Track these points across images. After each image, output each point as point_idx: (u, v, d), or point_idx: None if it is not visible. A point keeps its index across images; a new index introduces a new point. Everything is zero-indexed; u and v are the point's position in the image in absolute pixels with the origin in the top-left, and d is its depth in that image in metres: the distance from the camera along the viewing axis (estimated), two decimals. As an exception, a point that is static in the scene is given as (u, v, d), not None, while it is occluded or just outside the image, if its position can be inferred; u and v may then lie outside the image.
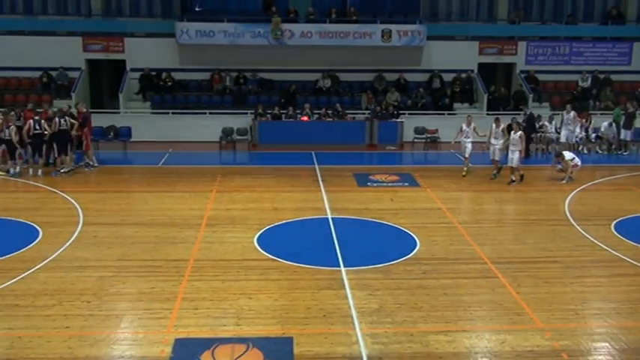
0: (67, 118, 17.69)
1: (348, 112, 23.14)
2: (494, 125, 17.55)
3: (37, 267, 10.54)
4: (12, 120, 17.46)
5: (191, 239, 12.10)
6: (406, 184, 16.90)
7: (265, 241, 12.04)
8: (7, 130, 17.11)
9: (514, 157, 16.71)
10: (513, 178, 16.88)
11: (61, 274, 10.19)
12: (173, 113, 23.37)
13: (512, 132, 16.97)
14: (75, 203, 14.47)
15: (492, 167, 17.68)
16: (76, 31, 24.62)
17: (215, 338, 8.18)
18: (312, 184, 16.87)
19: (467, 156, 17.96)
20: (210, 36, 23.80)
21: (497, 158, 17.47)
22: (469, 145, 17.89)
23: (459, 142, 18.21)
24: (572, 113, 20.80)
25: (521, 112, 21.69)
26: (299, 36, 23.95)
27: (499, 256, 11.33)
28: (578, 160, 17.47)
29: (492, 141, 17.43)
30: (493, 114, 23.31)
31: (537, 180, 17.71)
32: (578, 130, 21.78)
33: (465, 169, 17.96)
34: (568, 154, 17.62)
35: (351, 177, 17.62)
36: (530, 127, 21.14)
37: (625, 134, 21.75)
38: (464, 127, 17.98)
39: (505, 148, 17.24)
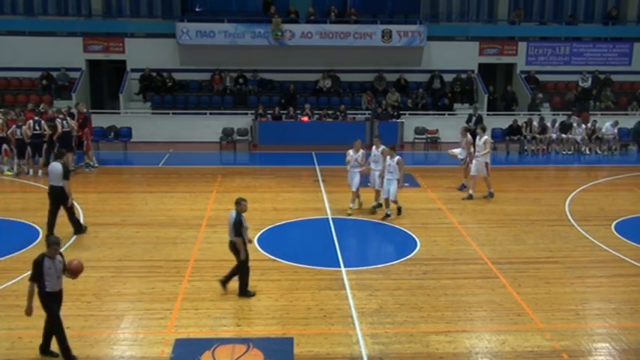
0: (68, 119, 17.75)
1: (348, 112, 23.12)
2: (373, 147, 14.31)
3: (37, 267, 10.55)
4: (19, 120, 17.54)
5: (191, 239, 12.11)
6: (406, 184, 16.84)
7: (266, 241, 12.04)
8: (18, 130, 17.27)
9: (390, 188, 13.38)
10: (389, 212, 13.61)
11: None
12: (173, 114, 23.35)
13: (389, 157, 13.44)
14: (75, 204, 14.43)
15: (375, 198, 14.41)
16: (77, 31, 24.60)
17: (215, 338, 8.20)
18: (313, 184, 16.88)
19: (354, 189, 14.06)
20: (210, 36, 23.79)
21: (376, 187, 14.07)
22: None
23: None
24: (485, 138, 15.37)
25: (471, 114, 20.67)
26: (299, 36, 23.94)
27: (499, 257, 11.34)
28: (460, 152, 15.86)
29: (372, 165, 14.18)
30: (493, 114, 23.41)
31: (537, 180, 17.69)
32: (581, 131, 21.78)
33: (352, 205, 14.17)
34: (458, 150, 16.11)
35: (351, 177, 17.60)
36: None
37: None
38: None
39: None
